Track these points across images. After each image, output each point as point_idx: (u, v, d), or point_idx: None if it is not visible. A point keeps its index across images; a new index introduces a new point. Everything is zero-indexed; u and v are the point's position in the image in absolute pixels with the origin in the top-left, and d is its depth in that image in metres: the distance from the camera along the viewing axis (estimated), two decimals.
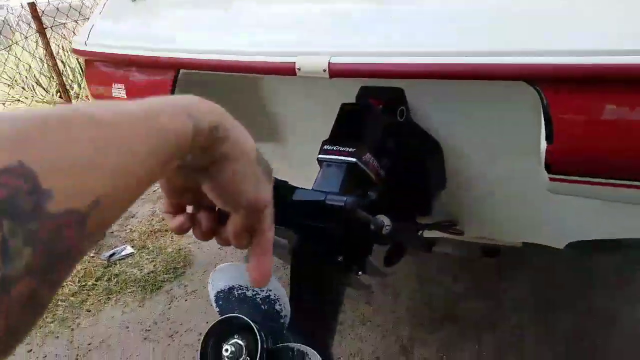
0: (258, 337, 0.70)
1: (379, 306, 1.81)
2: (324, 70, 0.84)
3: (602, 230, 1.05)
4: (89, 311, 1.96)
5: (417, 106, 1.08)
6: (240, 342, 0.72)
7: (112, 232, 2.50)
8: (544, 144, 0.73)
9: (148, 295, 2.02)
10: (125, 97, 1.20)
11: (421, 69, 0.78)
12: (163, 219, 2.48)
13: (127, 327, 1.85)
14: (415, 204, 1.28)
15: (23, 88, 4.42)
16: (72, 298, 2.06)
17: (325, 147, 1.01)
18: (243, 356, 0.70)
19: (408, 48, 0.81)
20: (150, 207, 2.70)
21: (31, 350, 1.80)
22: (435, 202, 1.36)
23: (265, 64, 0.91)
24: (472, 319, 1.69)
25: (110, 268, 2.23)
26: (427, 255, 1.77)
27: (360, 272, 1.06)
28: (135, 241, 2.42)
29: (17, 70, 4.38)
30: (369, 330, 1.71)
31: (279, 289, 0.82)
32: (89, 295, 2.06)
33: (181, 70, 1.07)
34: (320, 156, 1.02)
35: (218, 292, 0.82)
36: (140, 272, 2.17)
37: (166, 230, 2.44)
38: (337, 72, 0.84)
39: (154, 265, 2.21)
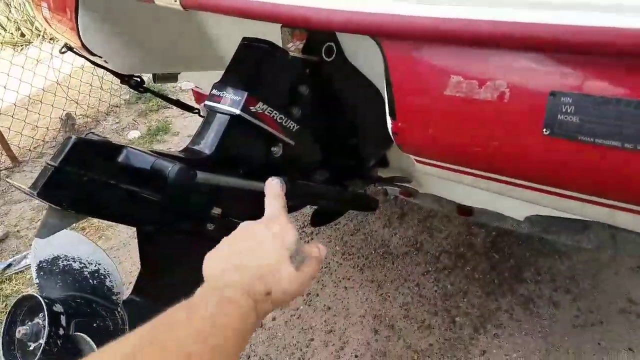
0: (46, 321, 0.61)
1: None
2: (175, 0, 0.70)
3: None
4: None
5: (353, 44, 0.88)
6: (39, 323, 0.62)
7: (17, 231, 1.92)
8: (388, 119, 0.56)
9: None
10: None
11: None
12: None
13: None
14: (347, 160, 1.12)
15: None
16: None
17: (213, 91, 0.87)
18: (41, 339, 0.60)
19: None
20: None
21: None
22: (373, 158, 1.18)
23: None
24: None
25: (3, 285, 1.67)
26: None
27: None
28: None
29: None
30: None
31: (109, 264, 0.72)
32: None
33: None
34: (206, 102, 0.89)
35: (41, 262, 0.72)
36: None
37: (82, 228, 1.91)
38: (189, 3, 0.69)
39: None
